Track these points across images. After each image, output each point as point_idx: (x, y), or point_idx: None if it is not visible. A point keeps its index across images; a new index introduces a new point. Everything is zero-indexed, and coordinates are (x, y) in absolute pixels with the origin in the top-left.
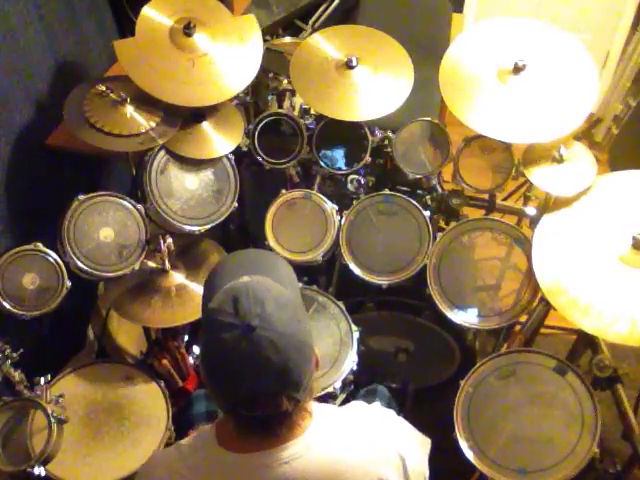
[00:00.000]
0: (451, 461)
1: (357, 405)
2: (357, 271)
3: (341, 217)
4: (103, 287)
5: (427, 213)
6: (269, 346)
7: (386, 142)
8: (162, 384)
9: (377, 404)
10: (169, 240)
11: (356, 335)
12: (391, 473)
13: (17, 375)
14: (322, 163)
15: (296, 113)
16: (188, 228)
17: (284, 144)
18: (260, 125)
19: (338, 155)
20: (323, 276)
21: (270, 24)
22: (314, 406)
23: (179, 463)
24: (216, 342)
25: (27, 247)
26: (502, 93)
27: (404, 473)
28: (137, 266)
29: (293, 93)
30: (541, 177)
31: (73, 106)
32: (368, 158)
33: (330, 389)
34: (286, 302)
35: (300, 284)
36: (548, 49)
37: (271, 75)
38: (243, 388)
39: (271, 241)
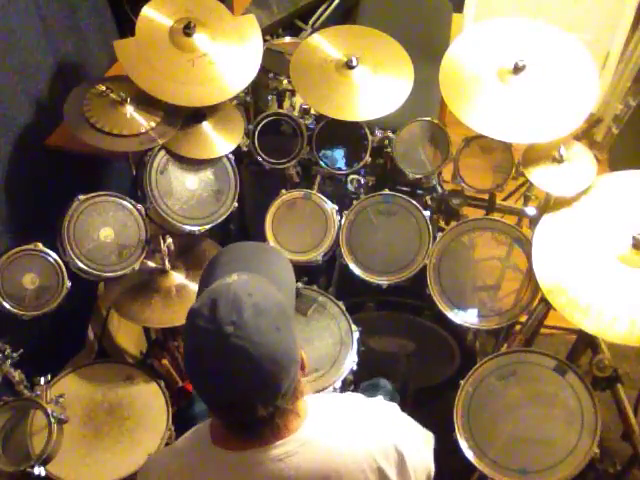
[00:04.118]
0: (451, 461)
1: (356, 398)
2: (357, 271)
3: (341, 217)
4: (103, 287)
5: (427, 213)
6: (242, 355)
7: (386, 142)
8: (162, 384)
9: (380, 398)
10: (169, 240)
11: (356, 335)
12: (388, 466)
13: (17, 375)
14: (322, 163)
15: (296, 113)
16: (188, 228)
17: (284, 144)
18: (260, 125)
19: (338, 155)
20: (323, 276)
21: (270, 24)
22: (310, 399)
23: (175, 463)
24: (192, 345)
25: (27, 247)
26: (502, 93)
27: (401, 468)
28: (137, 266)
29: (293, 93)
30: (541, 177)
31: (73, 106)
32: (368, 158)
33: (330, 389)
34: (268, 308)
35: (300, 284)
36: (548, 49)
37: (271, 75)
38: (217, 394)
39: (271, 241)
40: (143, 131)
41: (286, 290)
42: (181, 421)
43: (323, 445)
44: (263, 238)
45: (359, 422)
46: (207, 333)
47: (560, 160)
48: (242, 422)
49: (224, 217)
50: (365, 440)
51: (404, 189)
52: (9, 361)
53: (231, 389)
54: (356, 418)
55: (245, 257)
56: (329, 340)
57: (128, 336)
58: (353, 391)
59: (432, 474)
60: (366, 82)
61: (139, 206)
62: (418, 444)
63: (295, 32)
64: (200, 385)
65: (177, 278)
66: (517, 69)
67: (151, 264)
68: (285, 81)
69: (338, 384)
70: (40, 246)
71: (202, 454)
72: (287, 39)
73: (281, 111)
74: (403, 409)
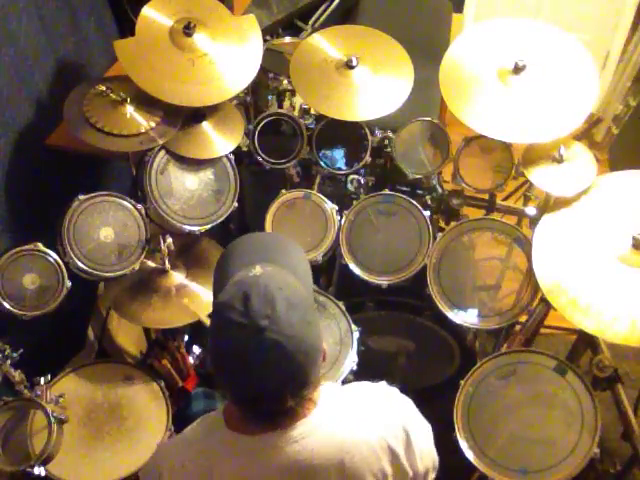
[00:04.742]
0: (451, 461)
1: (363, 383)
2: (357, 271)
3: (341, 217)
4: (103, 287)
5: (427, 213)
6: (276, 348)
7: (386, 142)
8: (162, 384)
9: (383, 383)
10: (169, 240)
11: (356, 335)
12: (397, 445)
13: (17, 375)
14: (322, 163)
15: (296, 113)
16: (188, 228)
17: (284, 144)
18: (260, 125)
19: (338, 155)
20: (323, 276)
21: (270, 24)
22: (323, 386)
23: (188, 450)
24: (224, 339)
25: (27, 247)
26: (502, 93)
27: (408, 446)
28: (137, 266)
29: (293, 93)
30: (541, 177)
31: (73, 106)
32: (368, 158)
33: None
34: (297, 302)
35: None
36: (548, 49)
37: (271, 75)
38: (248, 387)
39: None
40: (143, 131)
41: (305, 280)
42: (180, 421)
43: (333, 428)
44: None
45: (368, 405)
46: (241, 327)
47: (560, 160)
48: (268, 412)
49: (224, 217)
50: (374, 422)
51: (404, 189)
52: (9, 361)
53: (264, 382)
54: (364, 401)
55: (262, 248)
56: (329, 340)
57: (128, 336)
58: None
59: (437, 463)
60: (366, 82)
61: (139, 206)
62: (422, 425)
63: (295, 32)
64: (229, 379)
65: (177, 278)
66: (517, 69)
67: (151, 264)
68: (285, 81)
69: (338, 384)
70: (40, 246)
71: (217, 440)
72: (287, 39)
73: (281, 111)
74: None
